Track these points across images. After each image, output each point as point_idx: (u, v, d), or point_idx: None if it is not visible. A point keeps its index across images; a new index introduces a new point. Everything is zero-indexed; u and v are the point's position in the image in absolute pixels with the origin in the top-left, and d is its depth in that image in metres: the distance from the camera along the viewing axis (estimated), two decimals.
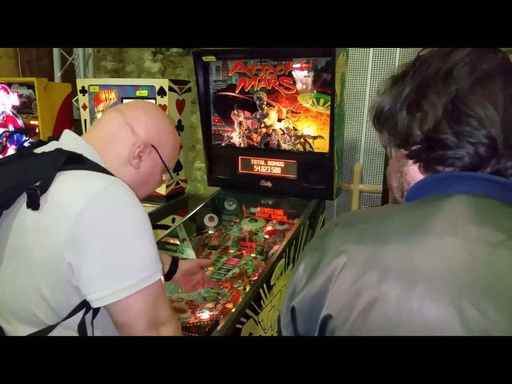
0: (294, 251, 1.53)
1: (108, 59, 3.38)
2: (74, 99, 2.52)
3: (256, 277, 1.39)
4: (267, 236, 1.71)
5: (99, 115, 2.05)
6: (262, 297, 1.27)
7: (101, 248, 0.69)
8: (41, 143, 0.85)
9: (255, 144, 1.80)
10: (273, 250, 1.52)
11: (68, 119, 2.43)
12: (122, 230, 0.71)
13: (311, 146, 1.69)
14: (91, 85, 2.03)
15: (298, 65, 1.62)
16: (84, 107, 2.07)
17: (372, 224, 0.52)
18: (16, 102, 2.39)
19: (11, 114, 2.44)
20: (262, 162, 1.79)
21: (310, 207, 1.68)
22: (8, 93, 2.42)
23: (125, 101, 1.97)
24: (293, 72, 1.63)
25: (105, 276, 0.69)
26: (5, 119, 2.48)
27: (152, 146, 0.89)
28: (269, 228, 1.75)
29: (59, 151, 0.77)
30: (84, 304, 0.74)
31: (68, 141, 0.83)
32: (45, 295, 0.71)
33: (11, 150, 2.47)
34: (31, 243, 0.71)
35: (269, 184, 1.80)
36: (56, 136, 0.86)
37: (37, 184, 0.70)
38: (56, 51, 2.74)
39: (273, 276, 1.33)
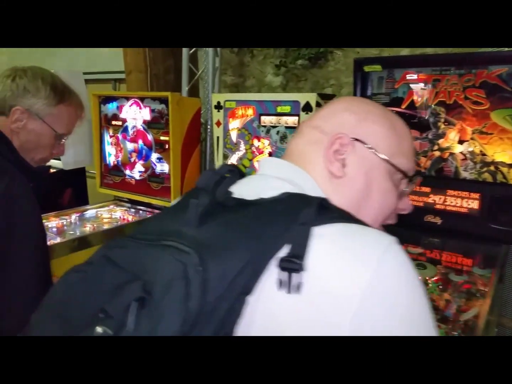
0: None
1: (228, 73, 3.33)
2: None
3: None
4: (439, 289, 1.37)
5: (233, 133, 1.91)
6: None
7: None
8: (230, 178, 0.58)
9: (423, 170, 1.47)
10: (468, 315, 1.16)
11: (196, 135, 2.36)
12: (413, 318, 0.47)
13: (505, 177, 1.31)
14: (227, 100, 1.90)
15: (495, 74, 1.27)
16: (218, 123, 1.94)
17: None
18: (148, 117, 2.38)
19: (141, 129, 2.44)
20: (431, 192, 1.46)
21: (501, 255, 1.30)
22: (140, 107, 2.43)
23: (262, 118, 1.79)
24: (487, 83, 1.28)
25: None
26: (135, 134, 2.49)
27: (353, 138, 0.61)
28: (437, 277, 1.40)
29: (291, 197, 0.53)
30: None
31: (279, 171, 0.60)
32: None
33: (139, 166, 2.47)
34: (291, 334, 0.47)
35: (437, 220, 1.45)
36: (235, 165, 0.64)
37: (289, 253, 0.46)
38: (185, 65, 2.72)
39: None
